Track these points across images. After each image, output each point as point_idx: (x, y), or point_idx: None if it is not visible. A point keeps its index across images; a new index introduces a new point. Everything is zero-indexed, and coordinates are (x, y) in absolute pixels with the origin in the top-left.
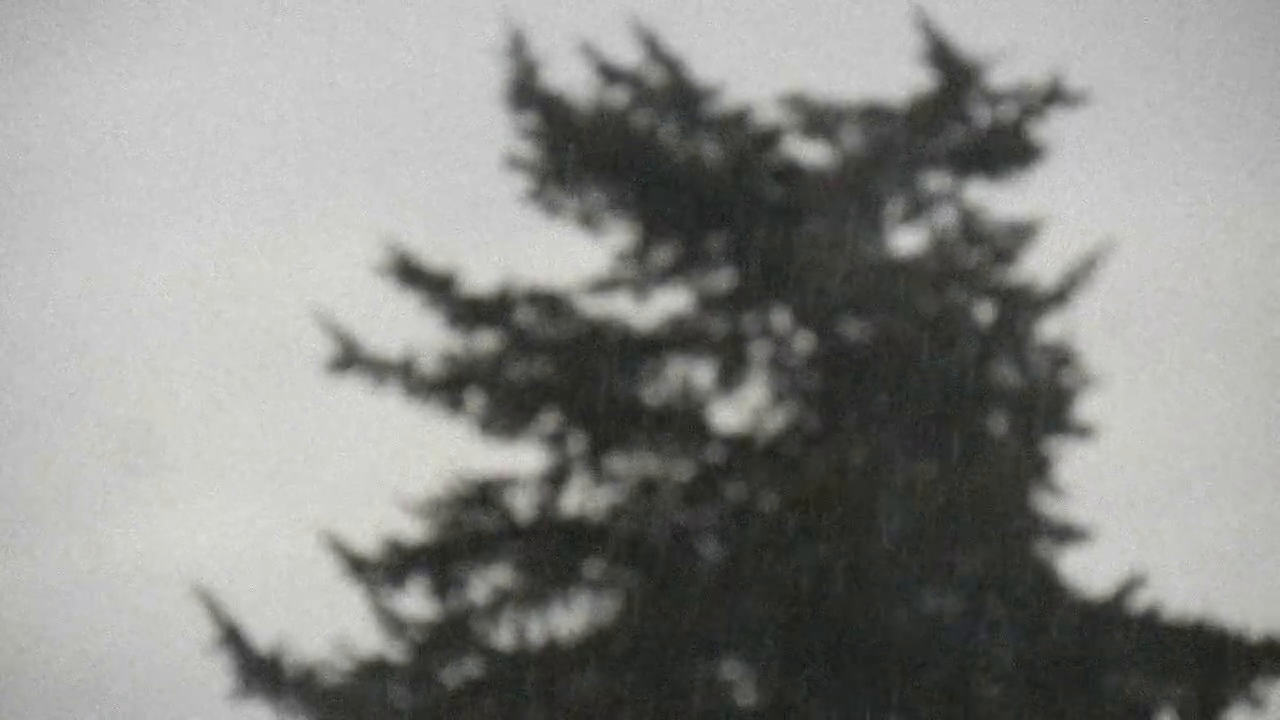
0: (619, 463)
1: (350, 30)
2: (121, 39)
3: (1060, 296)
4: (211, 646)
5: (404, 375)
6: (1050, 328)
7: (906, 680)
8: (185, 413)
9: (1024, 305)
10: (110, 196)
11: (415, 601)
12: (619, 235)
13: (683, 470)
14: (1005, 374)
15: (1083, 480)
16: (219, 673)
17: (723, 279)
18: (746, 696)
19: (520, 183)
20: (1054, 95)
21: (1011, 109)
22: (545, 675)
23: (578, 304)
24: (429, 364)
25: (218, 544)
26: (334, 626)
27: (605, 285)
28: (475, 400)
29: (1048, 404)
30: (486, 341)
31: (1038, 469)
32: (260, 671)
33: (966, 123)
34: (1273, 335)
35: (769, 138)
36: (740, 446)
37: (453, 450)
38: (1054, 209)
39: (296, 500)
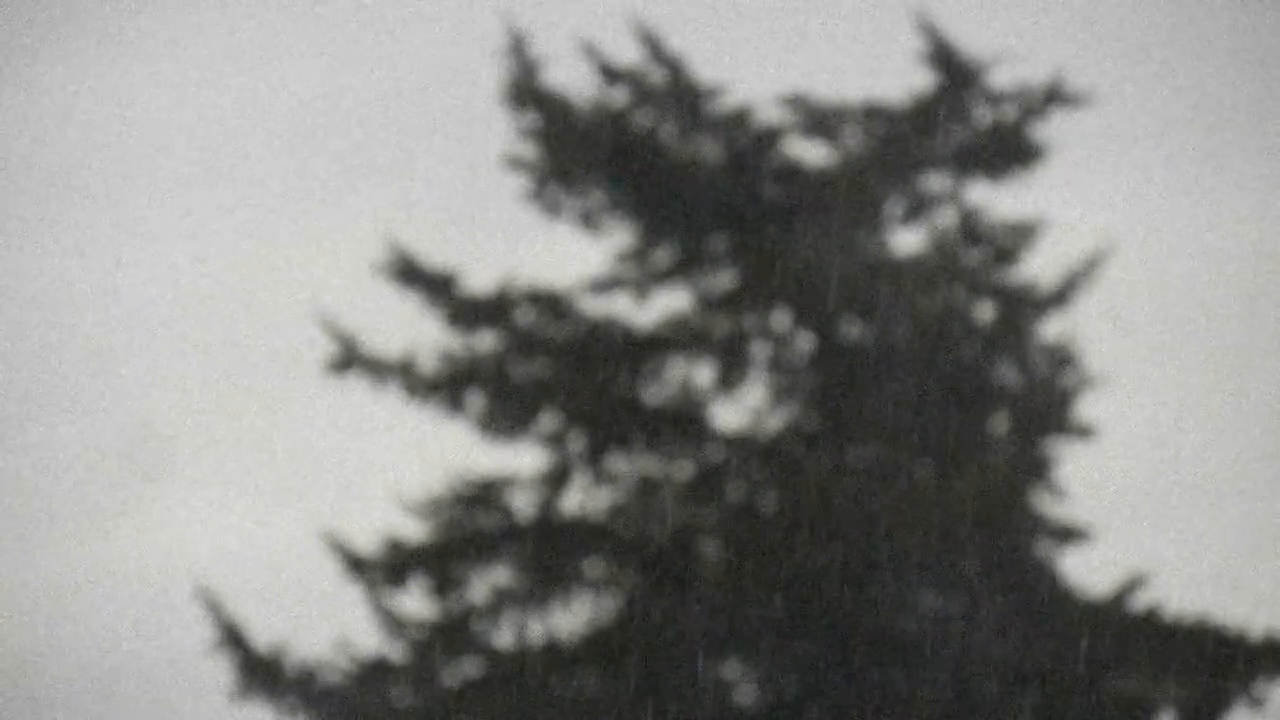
0: (619, 463)
1: (350, 30)
2: (122, 39)
3: (1061, 297)
4: (212, 646)
5: (404, 375)
6: (1051, 328)
7: (907, 680)
8: (186, 413)
9: (1024, 305)
10: (111, 197)
11: (415, 601)
12: (619, 235)
13: (683, 470)
14: (1005, 374)
15: (1083, 480)
16: (219, 673)
17: (723, 279)
18: (746, 696)
19: (520, 183)
20: (1054, 96)
21: (1012, 109)
22: (545, 675)
23: (578, 304)
24: (429, 364)
25: (219, 544)
26: (334, 626)
27: (605, 285)
28: (475, 400)
29: (1048, 404)
30: (486, 341)
31: (1038, 469)
32: (260, 671)
33: (967, 123)
34: (1273, 335)
35: (769, 138)
36: (740, 446)
37: (453, 450)
38: (1054, 209)
39: (297, 500)
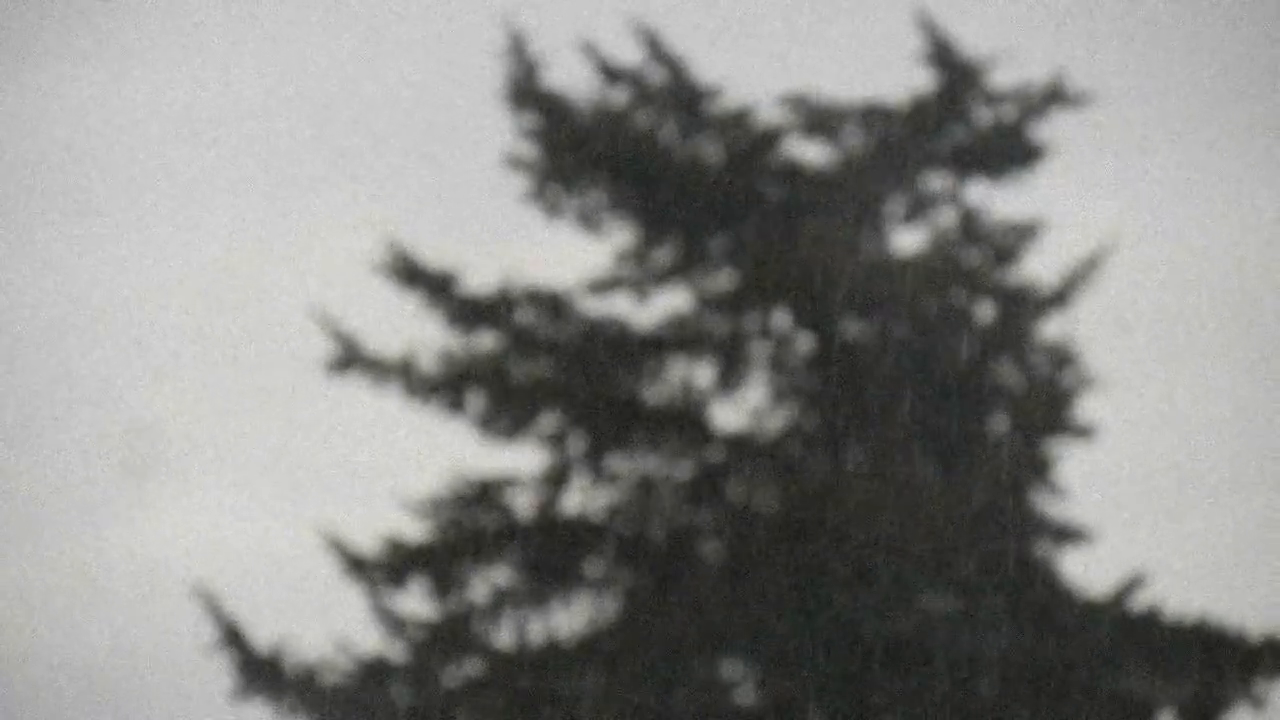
0: (619, 463)
1: (350, 30)
2: (122, 39)
3: (1061, 297)
4: (212, 646)
5: (404, 375)
6: (1050, 328)
7: (906, 680)
8: (186, 413)
9: (1024, 305)
10: (111, 197)
11: (415, 601)
12: (619, 235)
13: (683, 470)
14: (1005, 374)
15: (1083, 480)
16: (219, 673)
17: (723, 279)
18: (746, 696)
19: (520, 183)
20: (1054, 96)
21: (1012, 109)
22: (545, 675)
23: (578, 304)
24: (429, 364)
25: (218, 544)
26: (334, 626)
27: (605, 285)
28: (475, 400)
29: (1048, 404)
30: (486, 341)
31: (1038, 469)
32: (260, 671)
33: (967, 123)
34: (1272, 334)
35: (769, 138)
36: (740, 446)
37: (453, 450)
38: (1054, 209)
39: (297, 500)
